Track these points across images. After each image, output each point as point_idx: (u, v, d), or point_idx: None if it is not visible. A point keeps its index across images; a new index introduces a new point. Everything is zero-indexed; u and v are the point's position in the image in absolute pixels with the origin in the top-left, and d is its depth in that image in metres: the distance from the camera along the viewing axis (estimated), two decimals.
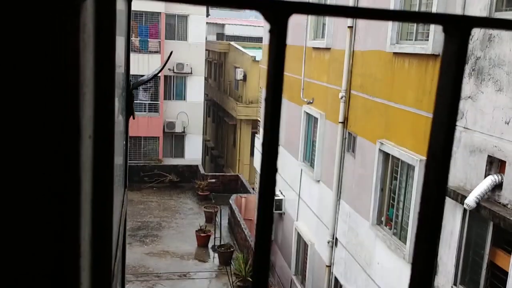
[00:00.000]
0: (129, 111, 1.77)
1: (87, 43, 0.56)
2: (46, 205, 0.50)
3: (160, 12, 25.55)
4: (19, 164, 0.48)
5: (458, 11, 6.91)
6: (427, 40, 7.73)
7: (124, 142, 1.87)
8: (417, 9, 8.23)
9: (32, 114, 0.47)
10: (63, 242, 0.52)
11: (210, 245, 17.97)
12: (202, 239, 17.92)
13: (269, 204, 0.48)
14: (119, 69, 1.45)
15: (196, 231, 18.15)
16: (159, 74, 25.46)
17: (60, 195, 0.50)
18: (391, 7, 8.65)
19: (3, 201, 0.47)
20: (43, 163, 0.48)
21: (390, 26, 8.72)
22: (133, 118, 1.88)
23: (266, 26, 0.47)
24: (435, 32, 7.40)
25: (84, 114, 0.53)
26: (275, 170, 0.50)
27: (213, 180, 23.48)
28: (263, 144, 0.47)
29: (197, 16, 26.59)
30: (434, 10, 7.45)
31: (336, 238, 11.11)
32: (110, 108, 0.75)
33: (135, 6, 23.89)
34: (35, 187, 0.49)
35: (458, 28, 0.48)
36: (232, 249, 16.96)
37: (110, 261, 0.88)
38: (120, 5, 1.36)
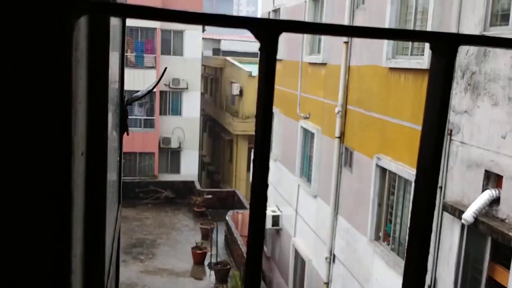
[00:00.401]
0: (123, 127, 1.75)
1: (80, 60, 0.54)
2: (37, 221, 0.49)
3: (155, 28, 25.68)
4: (10, 181, 0.47)
5: (453, 25, 6.96)
6: (423, 55, 7.77)
7: (118, 158, 1.84)
8: (412, 24, 8.30)
9: (23, 131, 0.45)
10: (54, 258, 0.50)
11: (206, 262, 17.81)
12: (198, 257, 17.76)
13: (260, 218, 0.46)
14: (113, 84, 1.43)
15: (192, 248, 18.00)
16: (154, 90, 25.52)
17: (51, 212, 0.48)
18: (386, 22, 8.72)
19: None
20: (34, 179, 0.46)
21: (386, 41, 8.77)
22: (127, 134, 1.85)
23: (257, 44, 0.46)
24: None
25: (77, 131, 0.51)
26: (266, 185, 0.48)
27: (209, 196, 23.36)
28: (254, 160, 0.46)
29: (193, 31, 26.74)
30: (429, 24, 7.51)
31: (334, 254, 11.03)
32: (103, 125, 0.72)
33: (130, 22, 24.02)
34: (25, 203, 0.48)
35: (445, 46, 0.48)
36: (228, 267, 16.80)
37: (103, 278, 0.85)
38: (114, 21, 1.34)
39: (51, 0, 0.43)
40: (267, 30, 0.44)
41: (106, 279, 1.23)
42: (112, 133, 1.42)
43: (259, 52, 0.46)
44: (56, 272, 0.51)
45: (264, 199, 0.47)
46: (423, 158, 0.52)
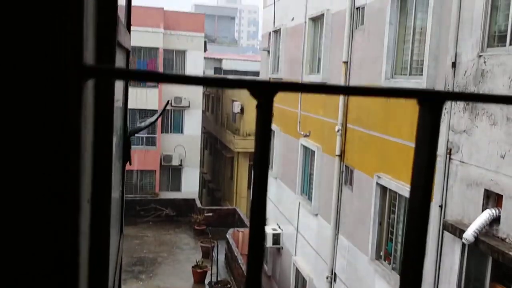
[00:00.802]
0: (126, 158, 1.79)
1: (87, 118, 0.58)
2: (43, 272, 0.51)
3: (158, 48, 25.92)
4: (17, 233, 0.49)
5: (450, 46, 7.04)
6: (421, 75, 7.85)
7: (121, 189, 1.88)
8: (410, 45, 8.39)
9: (33, 186, 0.49)
10: None
11: (206, 281, 17.68)
12: (199, 275, 17.64)
13: (260, 236, 0.50)
14: (118, 118, 1.48)
15: (193, 267, 17.89)
16: (157, 109, 25.63)
17: (57, 261, 0.51)
18: (385, 42, 8.82)
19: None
20: (43, 234, 0.49)
21: (384, 61, 8.87)
22: (130, 164, 1.90)
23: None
24: (429, 67, 7.53)
25: (83, 182, 0.55)
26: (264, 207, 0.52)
27: (210, 214, 23.30)
28: (251, 225, 0.49)
29: (194, 51, 26.98)
30: (427, 45, 7.60)
31: (335, 273, 10.98)
32: (108, 174, 0.76)
33: (133, 42, 24.25)
34: (31, 256, 0.50)
35: (431, 102, 0.52)
36: (229, 286, 16.69)
37: None
38: (118, 59, 1.40)
39: (62, 66, 0.47)
40: (264, 91, 0.48)
41: None
42: (115, 164, 1.46)
43: (256, 109, 0.50)
44: None
45: (263, 219, 0.50)
46: (411, 211, 0.55)
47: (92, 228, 0.70)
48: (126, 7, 1.72)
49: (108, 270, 0.85)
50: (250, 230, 0.53)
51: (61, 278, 0.50)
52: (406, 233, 0.58)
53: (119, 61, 1.32)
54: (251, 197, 0.51)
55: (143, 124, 2.68)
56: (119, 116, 1.59)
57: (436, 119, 0.55)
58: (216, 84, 0.51)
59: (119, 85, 1.57)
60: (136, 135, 26.17)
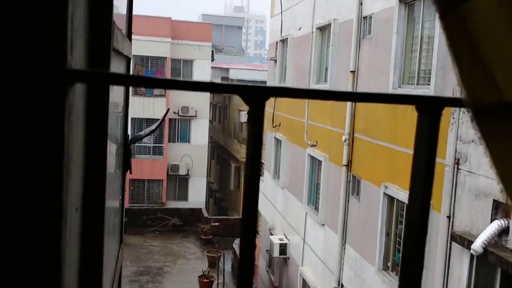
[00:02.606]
0: (126, 166, 1.78)
1: (74, 123, 0.57)
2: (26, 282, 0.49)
3: (165, 57, 26.08)
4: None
5: None
6: (429, 84, 7.82)
7: (120, 197, 1.87)
8: (417, 54, 8.36)
9: (14, 187, 0.47)
10: None
11: None
12: (205, 285, 17.58)
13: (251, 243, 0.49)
14: (118, 126, 1.47)
15: (199, 276, 17.83)
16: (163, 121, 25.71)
17: (41, 271, 0.49)
18: (392, 52, 8.80)
19: None
20: (24, 240, 0.48)
21: (392, 70, 8.85)
22: (130, 173, 1.89)
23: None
24: (437, 76, 7.49)
25: (70, 189, 0.53)
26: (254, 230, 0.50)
27: (217, 224, 23.26)
28: (241, 229, 0.48)
29: (202, 60, 27.11)
30: (435, 54, 7.57)
31: (342, 284, 10.88)
32: (101, 182, 0.75)
33: (141, 51, 24.40)
34: (14, 266, 0.48)
35: (430, 108, 0.51)
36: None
37: None
38: (118, 67, 1.39)
39: (43, 69, 0.46)
40: (255, 96, 0.48)
41: None
42: (115, 172, 1.45)
43: (247, 115, 0.50)
44: None
45: (254, 227, 0.49)
46: (410, 223, 0.54)
47: (83, 237, 0.69)
48: (127, 15, 1.73)
49: (102, 279, 0.83)
50: (241, 235, 0.51)
51: (44, 285, 0.48)
52: (404, 242, 0.57)
53: (117, 68, 1.31)
54: (242, 205, 0.50)
55: (143, 133, 2.68)
56: (119, 124, 1.58)
57: (434, 125, 0.54)
58: (207, 88, 0.49)
59: (119, 93, 1.56)
60: (143, 144, 26.30)
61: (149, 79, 0.45)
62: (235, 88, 0.50)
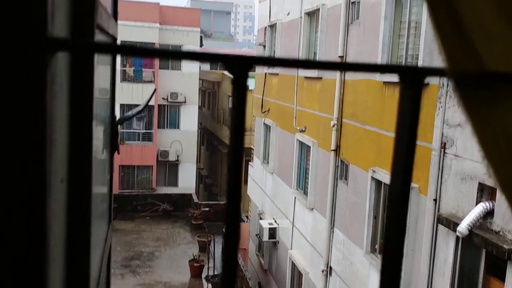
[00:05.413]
0: (113, 146, 1.79)
1: (58, 93, 0.58)
2: (7, 262, 0.49)
3: (154, 43, 25.84)
4: None
5: None
6: None
7: (109, 177, 1.88)
8: (405, 39, 8.39)
9: None
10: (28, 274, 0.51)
11: (203, 275, 17.73)
12: (196, 269, 17.69)
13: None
14: (104, 105, 1.48)
15: (190, 261, 17.93)
16: (153, 104, 25.59)
17: (24, 245, 0.49)
18: (380, 37, 8.82)
19: None
20: (7, 208, 0.48)
21: (379, 55, 8.87)
22: (118, 153, 1.90)
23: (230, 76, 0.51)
24: (424, 61, 7.53)
25: (54, 159, 0.55)
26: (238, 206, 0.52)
27: (207, 209, 23.34)
28: (227, 192, 0.50)
29: (190, 46, 26.90)
30: (422, 39, 7.60)
31: (331, 267, 11.02)
32: (87, 151, 0.76)
33: (129, 37, 24.15)
34: None
35: (412, 77, 0.52)
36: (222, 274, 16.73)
37: None
38: (105, 38, 1.39)
39: (24, 38, 0.47)
40: (238, 64, 0.48)
41: None
42: (103, 152, 1.46)
43: (231, 85, 0.50)
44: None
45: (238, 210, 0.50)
46: (392, 197, 0.55)
47: (70, 208, 0.70)
48: None
49: (90, 251, 0.85)
50: (226, 210, 0.53)
51: (28, 253, 0.50)
52: (388, 213, 0.58)
53: None
54: (226, 186, 0.51)
55: (130, 113, 2.69)
56: (107, 104, 1.59)
57: (416, 94, 0.55)
58: (191, 57, 0.51)
59: (106, 73, 1.57)
60: (132, 131, 26.16)
61: (132, 48, 0.46)
62: (219, 58, 0.51)
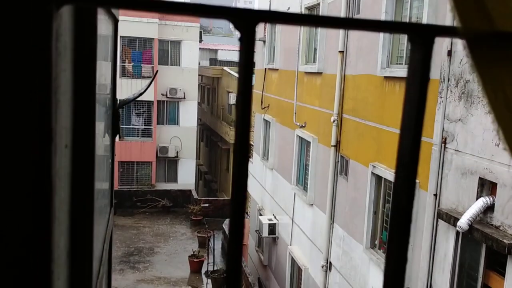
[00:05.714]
0: (115, 130, 1.78)
1: (62, 52, 0.56)
2: (13, 220, 0.49)
3: (153, 38, 25.80)
4: None
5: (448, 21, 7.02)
6: None
7: (110, 161, 1.87)
8: (405, 41, 8.36)
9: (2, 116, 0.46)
10: (34, 250, 0.50)
11: (203, 270, 17.75)
12: (195, 265, 17.71)
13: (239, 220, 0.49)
14: (106, 88, 1.46)
15: (189, 256, 17.95)
16: (152, 100, 25.55)
17: (30, 203, 0.49)
18: (381, 36, 8.79)
19: None
20: (12, 170, 0.47)
21: (380, 51, 8.85)
22: (119, 137, 1.89)
23: (237, 34, 0.49)
24: None
25: (59, 122, 0.53)
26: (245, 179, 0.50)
27: (206, 205, 23.34)
28: (234, 151, 0.48)
29: (190, 41, 26.86)
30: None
31: (330, 262, 11.02)
32: (91, 119, 0.74)
33: (128, 32, 24.12)
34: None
35: (422, 37, 0.50)
36: (225, 275, 16.76)
37: (90, 274, 0.87)
38: (107, 24, 1.38)
39: None
40: (246, 20, 0.47)
41: (96, 279, 1.25)
42: (104, 135, 1.45)
43: (238, 42, 0.48)
44: (35, 266, 0.50)
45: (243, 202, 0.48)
46: (401, 153, 0.53)
47: (74, 173, 0.69)
48: None
49: (93, 217, 0.84)
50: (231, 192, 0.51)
51: (34, 218, 0.48)
52: (393, 201, 0.56)
53: (105, 26, 1.29)
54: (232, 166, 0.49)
55: (131, 96, 2.67)
56: (108, 87, 1.58)
57: (427, 55, 0.52)
58: (194, 12, 0.48)
59: (106, 63, 1.55)
60: (132, 126, 26.13)
61: (136, 0, 0.44)
62: (224, 12, 0.49)
